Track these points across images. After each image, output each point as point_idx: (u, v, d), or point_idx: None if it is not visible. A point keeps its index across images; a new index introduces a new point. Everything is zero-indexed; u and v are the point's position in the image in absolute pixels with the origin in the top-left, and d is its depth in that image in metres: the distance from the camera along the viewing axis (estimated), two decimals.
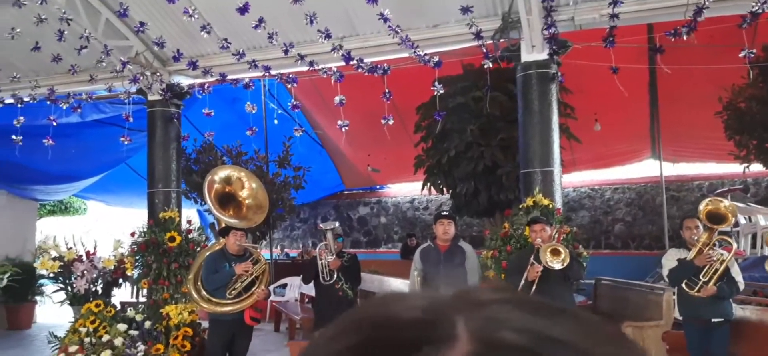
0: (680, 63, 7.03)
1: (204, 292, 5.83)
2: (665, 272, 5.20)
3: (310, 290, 9.76)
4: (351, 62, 6.47)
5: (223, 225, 5.97)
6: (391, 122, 6.53)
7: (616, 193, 13.24)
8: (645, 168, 12.78)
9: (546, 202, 5.99)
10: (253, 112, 7.44)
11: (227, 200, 6.27)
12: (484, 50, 6.30)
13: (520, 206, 6.12)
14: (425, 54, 6.27)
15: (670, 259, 5.15)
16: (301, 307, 9.49)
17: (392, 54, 6.72)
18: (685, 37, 5.64)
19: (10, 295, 10.75)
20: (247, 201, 6.29)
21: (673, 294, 5.55)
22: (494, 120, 7.75)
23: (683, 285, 5.00)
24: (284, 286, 10.96)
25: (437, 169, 8.39)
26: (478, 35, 6.15)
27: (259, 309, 5.98)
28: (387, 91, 6.43)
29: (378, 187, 14.81)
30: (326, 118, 10.12)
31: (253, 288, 5.73)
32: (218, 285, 5.67)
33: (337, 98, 6.73)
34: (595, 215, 13.25)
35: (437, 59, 6.31)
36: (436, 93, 6.46)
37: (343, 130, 6.97)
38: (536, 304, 0.35)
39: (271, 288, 10.98)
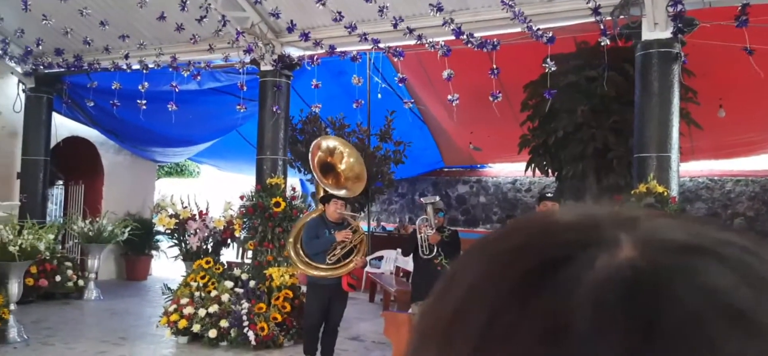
0: None
1: (303, 255, 6.02)
2: None
3: (405, 264, 9.85)
4: (461, 37, 6.36)
5: (324, 193, 6.14)
6: (499, 98, 6.38)
7: (738, 185, 12.27)
8: None
9: (660, 189, 5.66)
10: (359, 84, 7.53)
11: (327, 169, 6.43)
12: (602, 27, 5.99)
13: (633, 192, 5.82)
14: (538, 29, 6.05)
15: None
16: (396, 280, 9.59)
17: (502, 29, 6.54)
18: None
19: (130, 248, 11.65)
20: (344, 173, 6.42)
21: None
22: (607, 101, 7.38)
23: None
24: (380, 258, 11.12)
25: (543, 150, 8.13)
26: (596, 11, 5.85)
27: (356, 277, 6.12)
28: (495, 67, 6.27)
29: (479, 166, 14.58)
30: (429, 93, 10.06)
31: (352, 256, 5.86)
32: (319, 249, 5.84)
33: (445, 72, 6.67)
34: (712, 207, 12.37)
35: (551, 35, 6.08)
36: (547, 70, 6.23)
37: (454, 103, 6.89)
38: (692, 217, 0.35)
39: (367, 259, 11.19)
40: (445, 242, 5.84)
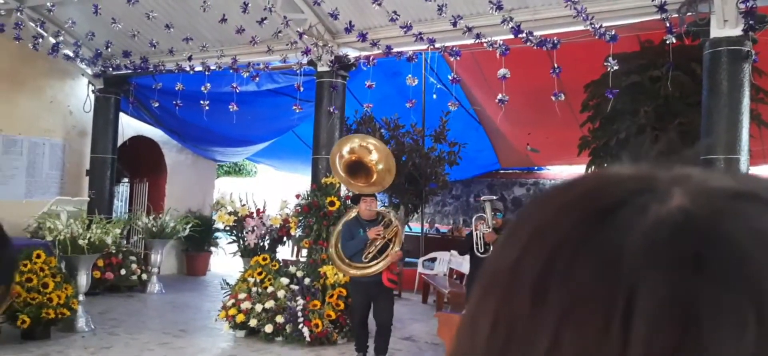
0: None
1: (344, 257, 6.12)
2: None
3: (459, 266, 9.78)
4: (520, 35, 6.27)
5: (353, 193, 6.24)
6: (562, 98, 6.26)
7: None
8: None
9: None
10: (414, 84, 7.53)
11: (357, 168, 6.48)
12: (668, 24, 5.79)
13: None
14: (601, 27, 5.90)
15: None
16: (450, 281, 9.53)
17: (563, 27, 6.41)
18: None
19: (191, 244, 12.00)
20: (377, 166, 6.45)
21: None
22: (672, 102, 7.12)
23: None
24: (433, 259, 11.07)
25: (604, 151, 7.91)
26: (661, 7, 5.66)
27: (395, 271, 6.17)
28: (556, 65, 6.15)
29: (536, 168, 14.33)
30: (485, 94, 9.95)
31: (388, 250, 5.92)
32: (355, 250, 5.98)
33: (500, 72, 6.59)
34: None
35: (613, 33, 5.91)
36: (609, 70, 6.07)
37: (503, 104, 6.81)
38: (744, 173, 0.37)
39: (420, 260, 11.18)
40: None
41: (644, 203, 0.33)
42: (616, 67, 6.15)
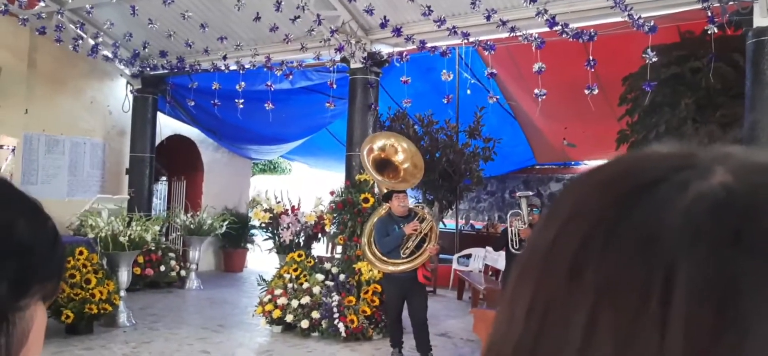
0: None
1: (379, 253, 6.11)
2: None
3: (494, 262, 9.70)
4: (555, 28, 6.17)
5: (385, 190, 6.25)
6: (595, 92, 6.14)
7: None
8: None
9: None
10: (449, 79, 7.48)
11: (384, 165, 6.48)
12: (709, 14, 5.62)
13: None
14: (639, 17, 5.76)
15: None
16: (485, 278, 9.45)
17: (599, 19, 6.29)
18: None
19: (228, 241, 12.20)
20: (403, 164, 6.44)
21: None
22: (714, 94, 6.92)
23: None
24: (468, 256, 11.00)
25: (643, 145, 7.70)
26: None
27: (430, 268, 6.16)
28: (591, 58, 6.04)
29: (573, 163, 14.10)
30: (521, 88, 9.83)
31: (424, 245, 5.91)
32: (391, 247, 5.98)
33: (535, 66, 6.50)
34: None
35: (652, 24, 5.77)
36: (647, 62, 5.93)
37: (540, 99, 6.73)
38: None
39: (455, 257, 11.12)
40: None
41: (684, 179, 0.32)
42: (654, 59, 6.01)
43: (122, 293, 7.36)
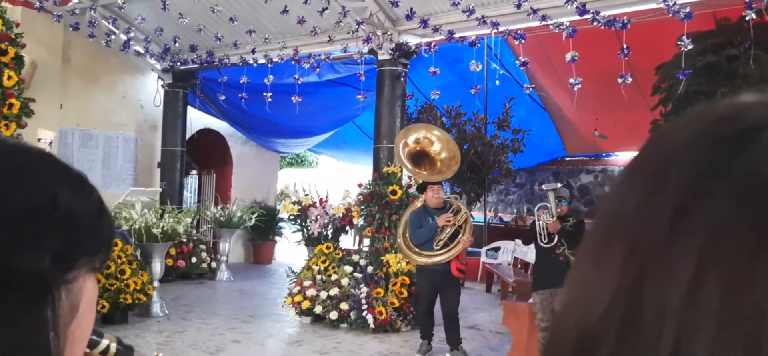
0: None
1: (413, 246, 6.08)
2: None
3: (523, 255, 9.61)
4: (585, 16, 6.07)
5: (419, 182, 6.22)
6: (629, 80, 6.03)
7: None
8: None
9: None
10: (478, 70, 7.41)
11: (420, 158, 6.44)
12: (747, 0, 5.46)
13: None
14: (674, 4, 5.63)
15: None
16: (514, 271, 9.37)
17: (632, 6, 6.16)
18: None
19: (257, 233, 12.31)
20: (440, 155, 6.40)
21: None
22: (752, 82, 6.73)
23: None
24: (497, 249, 10.93)
25: None
26: None
27: (464, 261, 6.12)
28: (625, 46, 5.92)
29: (604, 154, 13.88)
30: (551, 78, 9.70)
31: (458, 237, 5.87)
32: (425, 238, 5.94)
33: (568, 55, 6.41)
34: None
35: (688, 10, 5.63)
36: (682, 50, 5.79)
37: (576, 88, 6.63)
38: None
39: (483, 249, 11.05)
40: (569, 231, 5.59)
41: None
42: (690, 47, 5.87)
43: (156, 283, 7.48)
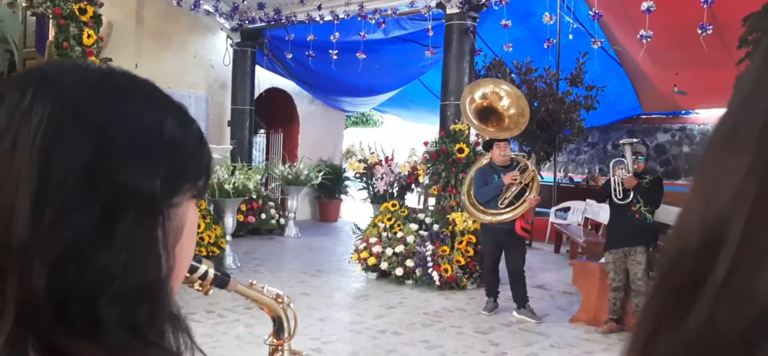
0: None
1: (477, 204, 5.98)
2: None
3: (594, 215, 9.32)
4: None
5: (485, 140, 6.07)
6: (710, 31, 5.65)
7: None
8: None
9: None
10: (551, 23, 7.13)
11: (487, 114, 6.27)
12: None
13: None
14: None
15: None
16: (584, 231, 9.12)
17: None
18: None
19: (323, 191, 12.49)
20: (508, 111, 6.21)
21: None
22: None
23: None
24: (566, 209, 10.66)
25: None
26: None
27: (529, 220, 5.99)
28: None
29: (683, 112, 13.16)
30: (627, 32, 9.22)
31: (524, 196, 5.73)
32: (489, 197, 5.83)
33: (644, 4, 6.06)
34: None
35: None
36: None
37: (645, 41, 6.29)
38: None
39: (552, 210, 10.79)
40: (645, 188, 5.35)
41: None
42: None
43: (228, 237, 7.72)
